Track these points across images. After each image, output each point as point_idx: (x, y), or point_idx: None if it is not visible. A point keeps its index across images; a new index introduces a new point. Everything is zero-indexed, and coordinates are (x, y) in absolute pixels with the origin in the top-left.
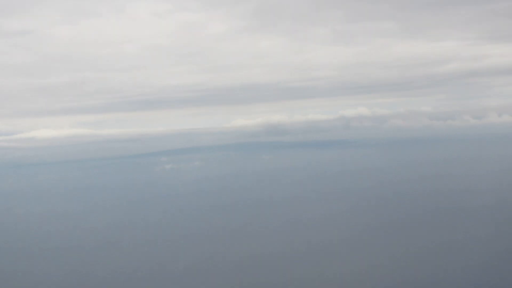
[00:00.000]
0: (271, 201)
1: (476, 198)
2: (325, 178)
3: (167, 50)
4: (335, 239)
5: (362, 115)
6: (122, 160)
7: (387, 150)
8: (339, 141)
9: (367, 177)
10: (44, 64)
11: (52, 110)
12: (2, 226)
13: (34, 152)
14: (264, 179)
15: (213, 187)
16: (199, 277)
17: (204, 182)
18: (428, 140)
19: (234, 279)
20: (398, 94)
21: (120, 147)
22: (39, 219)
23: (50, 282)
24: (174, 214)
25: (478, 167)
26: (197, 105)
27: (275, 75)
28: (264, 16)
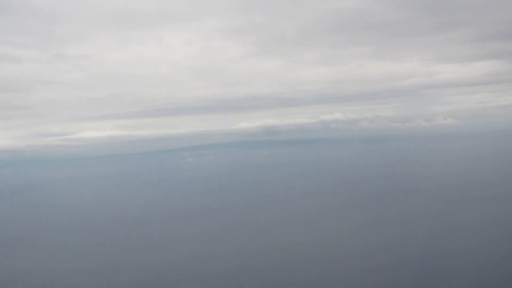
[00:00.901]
0: (269, 183)
1: (426, 182)
2: (309, 166)
3: (191, 70)
4: (315, 210)
5: (337, 119)
6: (153, 155)
7: (357, 146)
8: (320, 139)
9: (341, 166)
10: (94, 81)
11: (97, 116)
12: (64, 205)
13: (83, 148)
14: (263, 168)
15: (225, 173)
16: (215, 237)
17: (218, 170)
18: (389, 138)
19: (242, 239)
20: (366, 102)
21: (151, 145)
22: (90, 199)
23: (102, 244)
24: (196, 193)
25: (428, 158)
26: (210, 112)
27: (271, 89)
28: (268, 44)
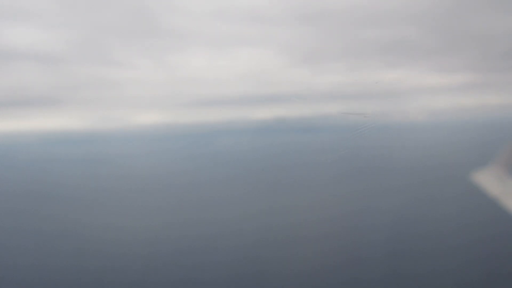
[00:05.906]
0: (279, 157)
1: (402, 162)
2: (308, 148)
3: (240, 74)
4: (313, 179)
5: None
6: (193, 136)
7: (346, 134)
8: (319, 128)
9: (334, 148)
10: (172, 82)
11: (152, 106)
12: (124, 174)
13: (138, 130)
14: (275, 147)
15: (252, 150)
16: (244, 202)
17: (247, 147)
18: (374, 128)
19: (265, 200)
20: (360, 99)
21: (190, 128)
22: (146, 169)
23: (158, 207)
24: (233, 164)
25: (405, 145)
26: (235, 104)
27: (287, 88)
28: (308, 56)
